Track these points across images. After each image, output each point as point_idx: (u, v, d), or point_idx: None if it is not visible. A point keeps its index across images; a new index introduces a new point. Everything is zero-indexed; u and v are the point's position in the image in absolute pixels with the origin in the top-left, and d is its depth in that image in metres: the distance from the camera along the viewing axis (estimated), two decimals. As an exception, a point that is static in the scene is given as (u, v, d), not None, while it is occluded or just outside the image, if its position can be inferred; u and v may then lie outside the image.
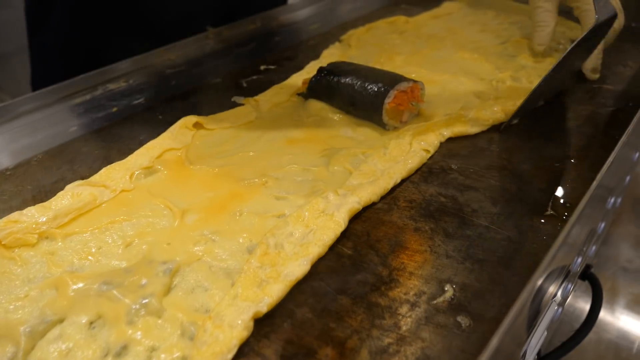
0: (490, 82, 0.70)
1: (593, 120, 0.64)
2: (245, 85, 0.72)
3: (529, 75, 0.73)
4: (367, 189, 0.50)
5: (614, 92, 0.71)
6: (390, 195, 0.51)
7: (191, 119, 0.60)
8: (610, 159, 0.54)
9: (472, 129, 0.60)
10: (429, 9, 0.98)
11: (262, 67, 0.77)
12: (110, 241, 0.45)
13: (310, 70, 0.75)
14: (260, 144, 0.58)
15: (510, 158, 0.57)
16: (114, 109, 0.68)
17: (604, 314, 0.78)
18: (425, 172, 0.55)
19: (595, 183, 0.49)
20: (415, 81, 0.60)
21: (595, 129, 0.62)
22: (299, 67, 0.77)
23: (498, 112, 0.62)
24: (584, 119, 0.64)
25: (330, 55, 0.79)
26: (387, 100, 0.58)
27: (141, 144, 0.57)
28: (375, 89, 0.59)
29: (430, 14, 0.96)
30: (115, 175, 0.52)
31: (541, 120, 0.64)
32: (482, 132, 0.61)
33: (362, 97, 0.59)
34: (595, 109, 0.66)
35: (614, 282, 0.85)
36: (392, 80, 0.59)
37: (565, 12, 0.86)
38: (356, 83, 0.60)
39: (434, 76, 0.72)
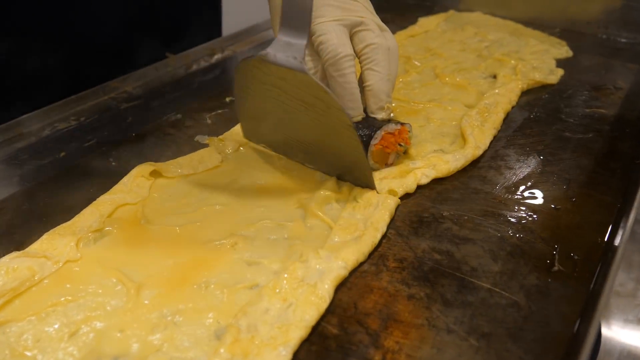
0: (477, 111, 0.64)
1: (590, 151, 0.59)
2: (209, 121, 0.66)
3: (507, 101, 0.67)
4: (352, 248, 0.43)
5: (608, 117, 0.66)
6: (378, 252, 0.45)
7: (147, 168, 0.53)
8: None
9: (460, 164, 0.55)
10: (404, 27, 0.93)
11: (227, 99, 0.70)
12: (51, 331, 0.38)
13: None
14: (227, 195, 0.51)
15: (506, 201, 0.51)
16: (62, 154, 0.60)
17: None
18: (415, 222, 0.49)
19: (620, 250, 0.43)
20: (402, 123, 0.54)
21: (594, 162, 0.57)
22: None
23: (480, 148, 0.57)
24: (580, 149, 0.59)
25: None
26: (373, 142, 0.52)
27: (90, 199, 0.50)
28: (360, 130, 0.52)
29: (406, 32, 0.90)
30: (59, 242, 0.44)
31: (535, 151, 0.59)
32: (473, 167, 0.56)
33: None
34: (591, 137, 0.61)
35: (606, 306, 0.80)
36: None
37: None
38: None
39: (416, 105, 0.67)
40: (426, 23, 0.96)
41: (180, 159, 0.56)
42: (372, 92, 0.53)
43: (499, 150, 0.59)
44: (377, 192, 0.51)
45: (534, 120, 0.65)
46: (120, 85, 0.75)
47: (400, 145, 0.53)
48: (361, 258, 0.43)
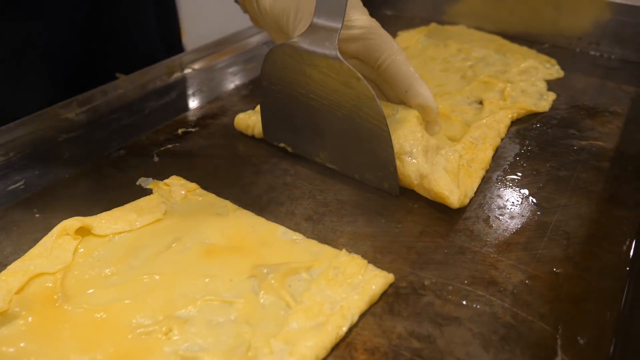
0: (462, 147, 0.56)
1: (591, 196, 0.52)
2: (156, 159, 0.57)
3: (496, 134, 0.60)
4: (311, 340, 0.35)
5: (607, 151, 0.59)
6: (345, 341, 0.37)
7: (73, 224, 0.44)
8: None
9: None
10: (381, 43, 0.85)
11: (180, 131, 0.62)
12: None
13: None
14: (166, 260, 0.43)
15: (496, 263, 0.43)
16: (-19, 201, 0.51)
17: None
18: (391, 295, 0.41)
19: None
20: None
21: (595, 209, 0.50)
22: (229, 129, 0.62)
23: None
24: (579, 193, 0.52)
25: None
26: None
27: (4, 264, 0.41)
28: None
29: (383, 49, 0.82)
30: (-52, 332, 0.36)
31: (529, 196, 0.51)
32: (458, 218, 0.48)
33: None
34: (590, 177, 0.54)
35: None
36: None
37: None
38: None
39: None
40: (406, 38, 0.88)
41: (116, 211, 0.48)
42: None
43: (488, 195, 0.52)
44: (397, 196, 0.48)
45: (526, 156, 0.58)
46: (62, 112, 0.66)
47: None
48: (322, 354, 0.35)
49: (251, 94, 0.71)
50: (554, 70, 0.78)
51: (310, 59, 0.47)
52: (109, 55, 0.79)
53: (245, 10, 0.62)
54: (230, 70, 0.80)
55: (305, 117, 0.52)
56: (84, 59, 0.76)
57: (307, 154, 0.55)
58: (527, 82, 0.72)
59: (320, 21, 0.47)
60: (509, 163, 0.56)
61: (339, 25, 0.46)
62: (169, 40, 0.91)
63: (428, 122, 0.53)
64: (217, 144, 0.59)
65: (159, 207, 0.48)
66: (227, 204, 0.49)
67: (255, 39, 0.89)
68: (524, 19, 0.91)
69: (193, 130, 0.62)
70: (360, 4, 0.52)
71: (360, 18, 0.50)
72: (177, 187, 0.51)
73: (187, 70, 0.79)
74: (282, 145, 0.57)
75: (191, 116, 0.65)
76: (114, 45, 0.79)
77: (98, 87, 0.71)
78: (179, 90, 0.73)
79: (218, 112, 0.66)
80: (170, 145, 0.59)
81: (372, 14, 0.53)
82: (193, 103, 0.70)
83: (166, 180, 0.52)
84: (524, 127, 0.64)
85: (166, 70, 0.77)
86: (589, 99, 0.70)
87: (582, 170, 0.55)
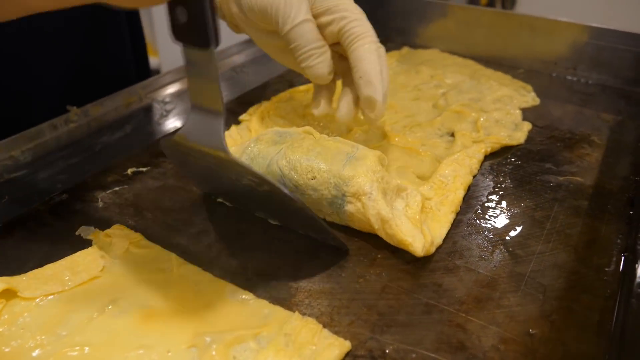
0: (431, 187, 0.52)
1: (569, 241, 0.48)
2: (101, 203, 0.52)
3: (467, 171, 0.56)
4: None
5: (585, 188, 0.55)
6: None
7: (-4, 287, 0.40)
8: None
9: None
10: (351, 69, 0.81)
11: (130, 171, 0.57)
12: None
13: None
14: (99, 326, 0.38)
15: (466, 324, 0.39)
16: None
17: None
18: (347, 366, 0.36)
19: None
20: None
21: (574, 257, 0.46)
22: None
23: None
24: (556, 239, 0.48)
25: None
26: None
27: None
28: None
29: (353, 76, 0.79)
30: None
31: (502, 242, 0.47)
32: (425, 269, 0.44)
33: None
34: (568, 219, 0.50)
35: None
36: None
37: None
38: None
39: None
40: (377, 63, 0.85)
41: (47, 268, 0.43)
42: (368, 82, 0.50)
43: (458, 242, 0.48)
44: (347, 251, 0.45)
45: (500, 194, 0.54)
46: (8, 149, 0.61)
47: None
48: None
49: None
50: (530, 98, 0.75)
51: (202, 151, 0.42)
52: (61, 86, 0.74)
53: (223, 16, 0.58)
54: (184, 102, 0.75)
55: (228, 190, 0.49)
56: (35, 89, 0.72)
57: (246, 210, 0.51)
58: (502, 112, 0.69)
59: (200, 114, 0.41)
60: (481, 203, 0.53)
61: (221, 117, 0.40)
62: (140, 67, 0.88)
63: (369, 116, 0.52)
64: (169, 185, 0.55)
65: (97, 262, 0.44)
66: (173, 257, 0.45)
67: (224, 63, 0.85)
68: (499, 42, 0.88)
69: (144, 170, 0.58)
70: None
71: (344, 2, 0.51)
72: (119, 239, 0.46)
73: (146, 101, 0.74)
74: (220, 200, 0.52)
75: (144, 153, 0.61)
76: (69, 75, 0.75)
77: (47, 122, 0.66)
78: (135, 124, 0.69)
79: (173, 149, 0.62)
80: (117, 188, 0.55)
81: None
82: (148, 138, 0.65)
83: (107, 231, 0.47)
84: (498, 161, 0.60)
85: (123, 102, 0.73)
86: (566, 128, 0.67)
87: (559, 211, 0.52)
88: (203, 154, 0.42)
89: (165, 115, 0.71)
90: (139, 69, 0.88)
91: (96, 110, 0.70)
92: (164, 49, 1.91)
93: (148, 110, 0.72)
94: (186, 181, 0.55)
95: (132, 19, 0.84)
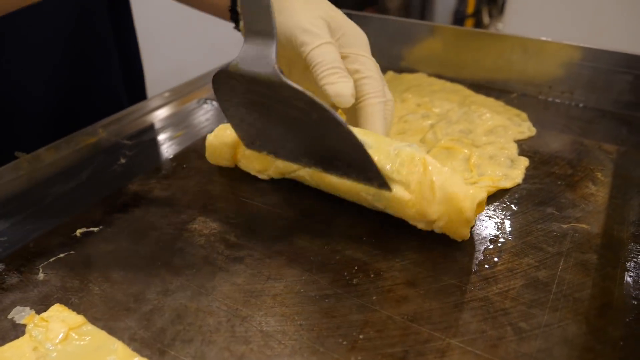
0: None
1: (579, 307, 0.42)
2: (42, 275, 0.46)
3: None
4: None
5: (592, 238, 0.49)
6: None
7: None
8: None
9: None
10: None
11: (78, 232, 0.51)
12: None
13: (151, 234, 0.49)
14: None
15: None
16: None
17: None
18: None
19: None
20: None
21: (586, 328, 0.40)
22: (141, 224, 0.51)
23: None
24: (564, 305, 0.42)
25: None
26: None
27: None
28: None
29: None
30: None
31: (502, 312, 0.41)
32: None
33: None
34: (577, 279, 0.44)
35: None
36: None
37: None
38: None
39: (336, 235, 0.49)
40: (359, 91, 0.79)
41: (-33, 368, 0.36)
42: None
43: (451, 314, 0.41)
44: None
45: (498, 250, 0.48)
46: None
47: None
48: None
49: (173, 173, 0.60)
50: (525, 128, 0.69)
51: (253, 80, 0.45)
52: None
53: None
54: (160, 137, 0.69)
55: (273, 127, 0.49)
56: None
57: (289, 159, 0.52)
58: (496, 146, 0.63)
59: (253, 42, 0.45)
60: (477, 262, 0.46)
61: (274, 43, 0.44)
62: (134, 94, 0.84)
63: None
64: (122, 249, 0.48)
65: (28, 357, 0.37)
66: (119, 346, 0.38)
67: (196, 96, 0.79)
68: (489, 65, 0.82)
69: (95, 230, 0.51)
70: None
71: (364, 55, 0.52)
72: (57, 324, 0.40)
73: (108, 143, 0.68)
74: (264, 152, 0.53)
75: (98, 208, 0.54)
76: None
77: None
78: (93, 170, 0.62)
79: (130, 202, 0.55)
80: (62, 255, 0.48)
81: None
82: (105, 188, 0.58)
83: (44, 315, 0.40)
84: (495, 206, 0.54)
85: (81, 143, 0.67)
86: (566, 163, 0.61)
87: (565, 268, 0.46)
88: (256, 81, 0.44)
89: (129, 157, 0.64)
90: (131, 92, 0.84)
91: (49, 155, 0.64)
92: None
93: (109, 153, 0.66)
94: (143, 243, 0.49)
95: (123, 40, 0.82)
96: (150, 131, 0.70)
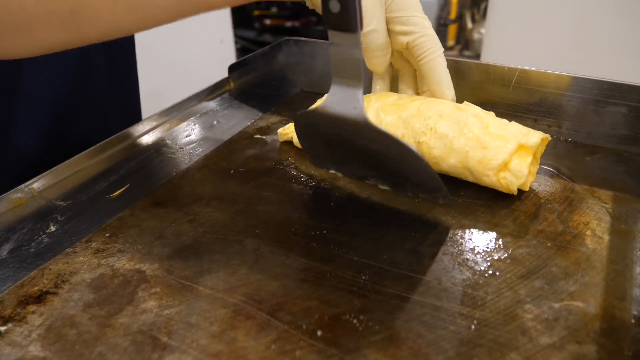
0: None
1: None
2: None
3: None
4: None
5: (588, 320, 0.42)
6: None
7: None
8: None
9: None
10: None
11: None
12: None
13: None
14: None
15: None
16: None
17: None
18: None
19: None
20: None
21: None
22: (54, 332, 0.43)
23: None
24: None
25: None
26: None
27: None
28: None
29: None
30: None
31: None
32: None
33: None
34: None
35: None
36: None
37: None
38: None
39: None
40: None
41: None
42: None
43: None
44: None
45: (476, 343, 0.40)
46: None
47: None
48: None
49: (104, 248, 0.52)
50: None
51: (338, 121, 0.49)
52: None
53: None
54: (104, 193, 0.61)
55: (349, 157, 0.56)
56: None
57: (357, 178, 0.59)
58: (476, 198, 0.56)
59: (341, 87, 0.48)
60: (454, 353, 0.39)
61: (361, 89, 0.47)
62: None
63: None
64: (29, 358, 0.40)
65: None
66: None
67: (144, 140, 0.71)
68: (467, 95, 0.74)
69: (2, 330, 0.43)
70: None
71: (415, 15, 0.58)
72: None
73: (39, 203, 0.60)
74: (332, 171, 0.61)
75: (11, 297, 0.46)
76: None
77: None
78: (17, 242, 0.54)
79: (49, 289, 0.47)
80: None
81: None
82: (29, 265, 0.50)
83: None
84: (474, 279, 0.46)
85: (8, 206, 0.58)
86: (556, 217, 0.54)
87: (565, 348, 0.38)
88: (342, 121, 0.48)
89: (60, 223, 0.56)
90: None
91: (13, 201, 0.55)
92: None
93: (39, 217, 0.57)
94: (54, 349, 0.41)
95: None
96: (89, 188, 0.62)
